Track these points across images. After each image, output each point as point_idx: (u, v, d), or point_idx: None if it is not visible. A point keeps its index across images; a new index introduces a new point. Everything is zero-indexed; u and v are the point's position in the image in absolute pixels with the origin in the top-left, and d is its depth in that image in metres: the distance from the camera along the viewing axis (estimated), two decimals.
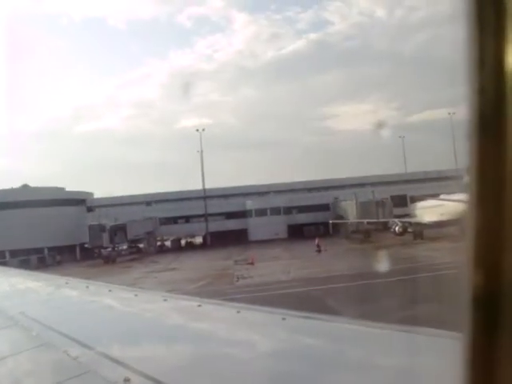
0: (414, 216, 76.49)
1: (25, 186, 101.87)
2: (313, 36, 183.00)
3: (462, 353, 1.07)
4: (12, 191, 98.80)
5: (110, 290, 9.39)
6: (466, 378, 1.05)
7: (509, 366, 1.01)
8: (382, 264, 46.99)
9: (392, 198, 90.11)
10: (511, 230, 0.99)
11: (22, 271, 19.40)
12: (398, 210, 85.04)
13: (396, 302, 24.32)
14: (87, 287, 10.44)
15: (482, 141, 1.04)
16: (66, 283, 11.52)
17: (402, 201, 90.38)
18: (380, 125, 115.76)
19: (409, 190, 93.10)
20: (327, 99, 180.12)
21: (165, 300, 7.62)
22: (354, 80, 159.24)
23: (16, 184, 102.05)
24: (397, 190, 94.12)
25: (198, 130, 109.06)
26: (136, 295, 8.51)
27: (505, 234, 1.03)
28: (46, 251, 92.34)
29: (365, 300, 27.17)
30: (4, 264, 35.55)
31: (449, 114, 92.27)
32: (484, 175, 1.04)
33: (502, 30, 0.97)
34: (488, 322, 1.05)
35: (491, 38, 1.00)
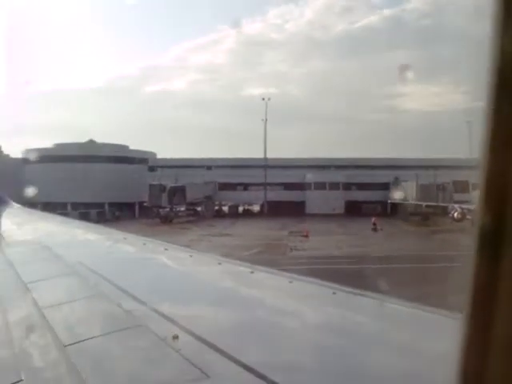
0: (474, 203, 74.80)
1: (91, 141, 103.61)
2: (387, 12, 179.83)
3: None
4: (78, 145, 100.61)
5: (166, 249, 9.52)
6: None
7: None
8: (435, 249, 46.42)
9: (454, 182, 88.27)
10: None
11: (83, 223, 19.88)
12: (458, 196, 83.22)
13: (434, 289, 23.99)
14: (144, 244, 10.62)
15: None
16: (124, 238, 11.75)
17: (463, 186, 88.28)
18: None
19: (472, 177, 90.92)
20: (394, 78, 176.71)
21: (219, 264, 7.70)
22: (425, 60, 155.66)
23: (82, 138, 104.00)
24: (459, 175, 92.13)
25: (263, 99, 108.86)
26: (191, 256, 8.62)
27: None
28: (106, 206, 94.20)
29: (408, 283, 26.93)
30: (65, 215, 36.39)
31: None
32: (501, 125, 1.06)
33: None
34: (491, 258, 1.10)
35: None
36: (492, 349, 1.06)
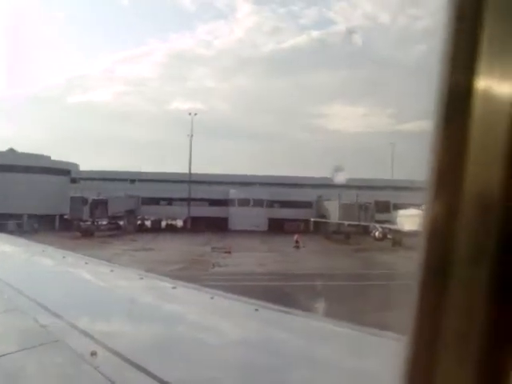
0: (395, 223, 76.76)
1: (11, 150, 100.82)
2: (314, 33, 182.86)
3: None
4: None
5: (86, 263, 9.36)
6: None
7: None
8: (356, 267, 47.38)
9: (376, 203, 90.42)
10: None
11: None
12: (380, 216, 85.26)
13: (354, 307, 24.43)
14: (64, 257, 10.39)
15: (444, 135, 1.13)
16: (43, 251, 11.46)
17: (385, 207, 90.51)
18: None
19: (393, 197, 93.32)
20: (322, 98, 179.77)
21: (141, 278, 7.62)
22: (351, 82, 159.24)
23: (2, 147, 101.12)
24: (381, 196, 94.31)
25: (190, 114, 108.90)
26: (112, 271, 8.50)
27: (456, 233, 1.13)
28: (24, 218, 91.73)
29: (327, 299, 27.32)
30: None
31: None
32: (443, 170, 1.11)
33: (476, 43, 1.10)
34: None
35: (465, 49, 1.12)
36: (437, 370, 1.11)
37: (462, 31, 1.08)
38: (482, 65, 1.05)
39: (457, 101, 1.08)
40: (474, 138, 1.08)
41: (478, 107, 1.07)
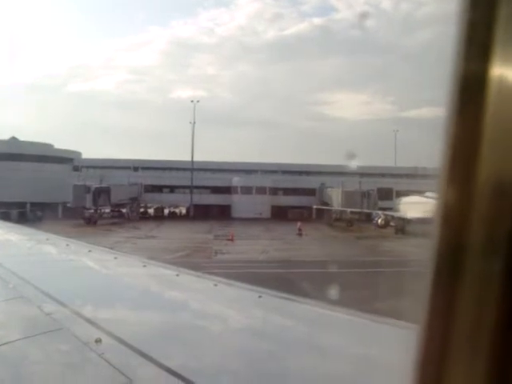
0: (397, 210, 76.58)
1: (13, 139, 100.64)
2: (316, 20, 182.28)
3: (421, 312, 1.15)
4: (0, 142, 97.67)
5: (89, 251, 9.37)
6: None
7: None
8: (358, 254, 47.39)
9: (378, 190, 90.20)
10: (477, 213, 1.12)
11: (2, 223, 19.33)
12: (383, 203, 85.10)
13: (354, 293, 24.42)
14: (67, 245, 10.42)
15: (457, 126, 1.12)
16: (47, 239, 11.49)
17: (387, 194, 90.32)
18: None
19: (396, 184, 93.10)
20: (324, 85, 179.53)
21: (144, 266, 7.63)
22: (353, 69, 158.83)
23: (4, 136, 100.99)
24: (384, 183, 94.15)
25: (192, 102, 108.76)
26: (116, 258, 8.52)
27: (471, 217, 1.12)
28: (28, 206, 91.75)
29: (329, 286, 27.31)
30: None
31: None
32: (457, 154, 1.11)
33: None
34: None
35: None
36: (449, 360, 1.10)
37: (477, 18, 1.10)
38: (497, 52, 1.07)
39: (471, 88, 1.08)
40: (487, 125, 1.07)
41: (492, 94, 1.06)
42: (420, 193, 71.01)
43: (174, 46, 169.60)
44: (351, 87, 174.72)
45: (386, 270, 35.31)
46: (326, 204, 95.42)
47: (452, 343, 1.09)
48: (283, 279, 32.93)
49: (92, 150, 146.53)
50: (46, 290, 5.83)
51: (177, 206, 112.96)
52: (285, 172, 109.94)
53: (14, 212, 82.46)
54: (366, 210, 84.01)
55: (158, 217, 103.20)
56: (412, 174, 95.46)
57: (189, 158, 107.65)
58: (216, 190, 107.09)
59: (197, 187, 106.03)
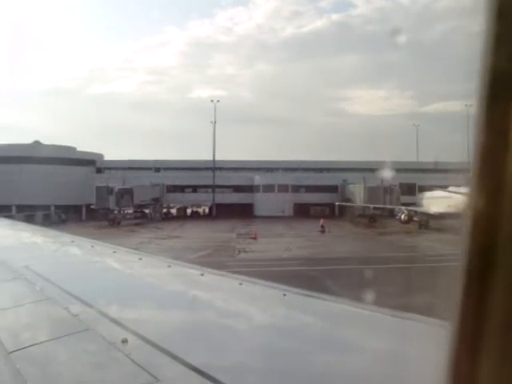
0: (421, 205, 76.07)
1: (36, 143, 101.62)
2: (334, 17, 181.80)
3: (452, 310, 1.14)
4: (23, 146, 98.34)
5: (114, 252, 9.43)
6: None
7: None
8: (382, 250, 47.16)
9: (401, 185, 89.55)
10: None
11: (28, 225, 19.49)
12: (405, 198, 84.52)
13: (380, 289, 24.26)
14: (92, 247, 10.49)
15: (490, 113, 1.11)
16: (72, 241, 11.58)
17: (410, 189, 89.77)
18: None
19: (418, 179, 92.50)
20: (343, 81, 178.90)
21: (169, 266, 7.67)
22: (371, 65, 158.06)
23: (27, 140, 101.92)
24: (406, 178, 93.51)
25: (212, 101, 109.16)
26: (140, 259, 8.56)
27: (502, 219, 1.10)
28: (52, 209, 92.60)
29: (355, 284, 27.15)
30: (9, 218, 35.73)
31: (465, 105, 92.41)
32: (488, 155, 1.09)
33: None
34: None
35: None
36: (482, 359, 1.09)
37: (506, 11, 1.09)
38: None
39: (500, 81, 1.08)
40: None
41: None
42: (443, 187, 70.56)
43: (193, 47, 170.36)
44: (370, 83, 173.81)
45: (412, 265, 35.08)
46: (349, 200, 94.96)
47: (484, 342, 1.09)
48: (308, 277, 32.87)
49: (114, 151, 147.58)
50: (73, 291, 5.88)
51: (199, 206, 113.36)
52: (305, 169, 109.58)
53: (39, 215, 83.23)
54: (388, 206, 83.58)
55: (181, 217, 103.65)
56: (434, 169, 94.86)
57: (209, 158, 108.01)
58: (238, 188, 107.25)
59: (219, 186, 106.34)
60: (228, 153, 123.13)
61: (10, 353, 4.05)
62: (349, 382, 3.24)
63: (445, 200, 65.77)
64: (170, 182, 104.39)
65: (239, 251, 50.39)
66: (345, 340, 4.10)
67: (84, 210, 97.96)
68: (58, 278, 6.74)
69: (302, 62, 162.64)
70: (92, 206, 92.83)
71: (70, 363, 3.93)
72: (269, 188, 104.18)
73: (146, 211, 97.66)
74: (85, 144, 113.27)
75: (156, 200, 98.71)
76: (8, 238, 13.56)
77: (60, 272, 7.75)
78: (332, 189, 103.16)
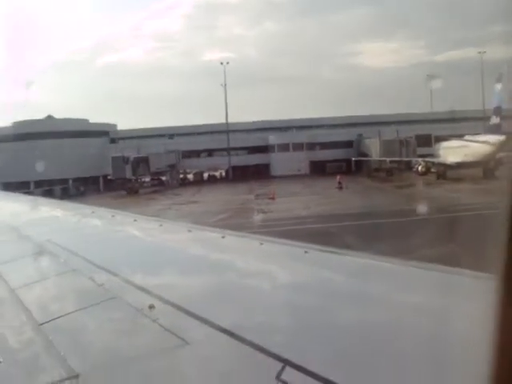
0: (437, 156, 75.35)
1: (49, 117, 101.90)
2: None
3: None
4: (36, 122, 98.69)
5: (135, 220, 9.49)
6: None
7: None
8: (400, 203, 47.00)
9: (416, 137, 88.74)
10: None
11: (48, 200, 19.62)
12: (422, 150, 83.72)
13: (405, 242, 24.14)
14: (113, 216, 10.56)
15: None
16: (92, 212, 11.65)
17: (426, 140, 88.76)
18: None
19: (434, 130, 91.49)
20: (353, 36, 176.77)
21: (189, 231, 7.70)
22: (382, 17, 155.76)
23: (40, 115, 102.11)
24: (422, 130, 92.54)
25: (222, 64, 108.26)
26: (161, 225, 8.61)
27: None
28: (70, 182, 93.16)
29: (374, 238, 27.11)
30: (28, 194, 36.05)
31: (479, 53, 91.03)
32: None
33: None
34: None
35: None
36: None
37: None
38: None
39: None
40: None
41: None
42: (459, 137, 69.96)
43: (199, 9, 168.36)
44: (380, 36, 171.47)
45: (433, 216, 34.85)
46: (365, 155, 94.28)
47: None
48: (329, 234, 32.95)
49: (127, 121, 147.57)
50: (96, 261, 5.94)
51: (215, 170, 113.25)
52: (319, 126, 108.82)
53: (57, 189, 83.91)
54: (405, 159, 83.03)
55: (198, 181, 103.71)
56: (449, 119, 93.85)
57: (222, 121, 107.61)
58: (253, 150, 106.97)
59: (234, 149, 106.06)
60: (241, 115, 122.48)
61: (40, 324, 4.11)
62: (383, 338, 3.23)
63: (462, 149, 65.29)
64: (184, 148, 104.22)
65: (258, 212, 50.50)
66: (373, 294, 4.08)
67: (101, 180, 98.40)
68: (80, 250, 6.80)
69: (311, 18, 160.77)
70: (109, 177, 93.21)
71: (99, 331, 3.98)
72: (284, 147, 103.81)
73: (163, 178, 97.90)
74: (98, 115, 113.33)
75: (172, 167, 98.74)
76: (28, 213, 13.65)
77: (82, 243, 7.82)
78: (347, 144, 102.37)
